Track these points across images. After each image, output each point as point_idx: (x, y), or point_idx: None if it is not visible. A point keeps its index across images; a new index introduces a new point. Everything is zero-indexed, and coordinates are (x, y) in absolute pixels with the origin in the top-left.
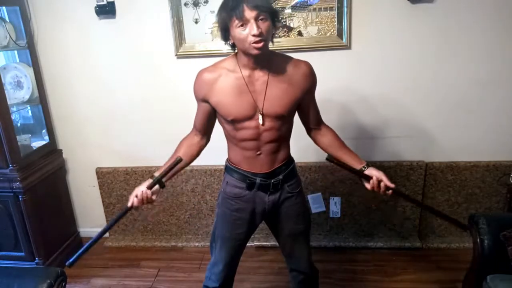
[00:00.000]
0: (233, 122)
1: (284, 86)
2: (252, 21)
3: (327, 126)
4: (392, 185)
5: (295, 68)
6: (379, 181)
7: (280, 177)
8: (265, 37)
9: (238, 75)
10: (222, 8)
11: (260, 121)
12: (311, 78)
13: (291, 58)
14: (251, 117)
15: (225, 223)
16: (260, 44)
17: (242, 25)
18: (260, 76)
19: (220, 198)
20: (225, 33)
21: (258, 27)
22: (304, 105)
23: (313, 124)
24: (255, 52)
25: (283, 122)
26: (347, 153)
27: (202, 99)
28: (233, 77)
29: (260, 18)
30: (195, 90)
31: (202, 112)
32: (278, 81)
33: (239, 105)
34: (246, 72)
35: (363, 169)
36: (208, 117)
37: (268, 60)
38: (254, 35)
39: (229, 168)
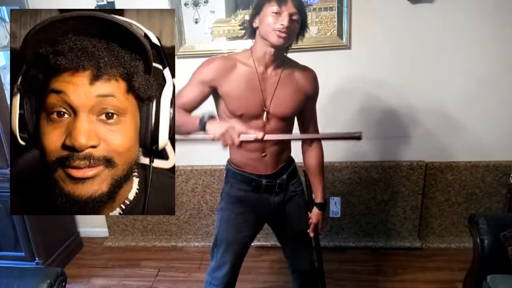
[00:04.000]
0: (240, 119)
1: (292, 89)
2: (286, 13)
3: (318, 148)
4: (320, 227)
5: (303, 73)
6: (316, 223)
7: (285, 176)
8: (289, 33)
9: (252, 69)
10: None
11: (264, 119)
12: (314, 85)
13: (299, 63)
14: (258, 116)
15: (230, 227)
16: (284, 35)
17: (277, 13)
18: (273, 75)
19: (224, 202)
20: (257, 12)
21: (289, 21)
22: (304, 114)
23: (305, 126)
24: (274, 40)
25: (288, 124)
26: (315, 183)
27: (208, 83)
28: (247, 70)
29: (294, 17)
30: (203, 71)
31: (201, 96)
32: (287, 83)
33: (249, 100)
34: (260, 68)
35: (315, 204)
36: (201, 102)
37: (282, 61)
38: (282, 25)
39: (232, 171)
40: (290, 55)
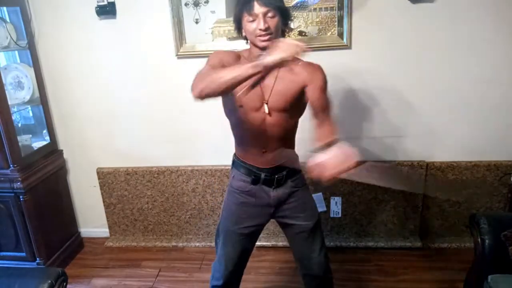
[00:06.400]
0: (240, 111)
1: (290, 83)
2: (261, 16)
3: (328, 125)
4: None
5: (304, 67)
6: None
7: (284, 172)
8: (271, 31)
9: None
10: (237, 2)
11: (266, 111)
12: (316, 74)
13: (302, 60)
14: (257, 109)
15: (229, 215)
16: (266, 38)
17: (252, 20)
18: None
19: (227, 192)
20: (239, 26)
21: (265, 22)
22: (313, 103)
23: (317, 115)
24: (261, 44)
25: (290, 116)
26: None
27: (222, 64)
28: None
29: (269, 14)
30: (216, 56)
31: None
32: (286, 77)
33: (249, 93)
34: None
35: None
36: None
37: None
38: (260, 29)
39: (236, 162)
40: None
